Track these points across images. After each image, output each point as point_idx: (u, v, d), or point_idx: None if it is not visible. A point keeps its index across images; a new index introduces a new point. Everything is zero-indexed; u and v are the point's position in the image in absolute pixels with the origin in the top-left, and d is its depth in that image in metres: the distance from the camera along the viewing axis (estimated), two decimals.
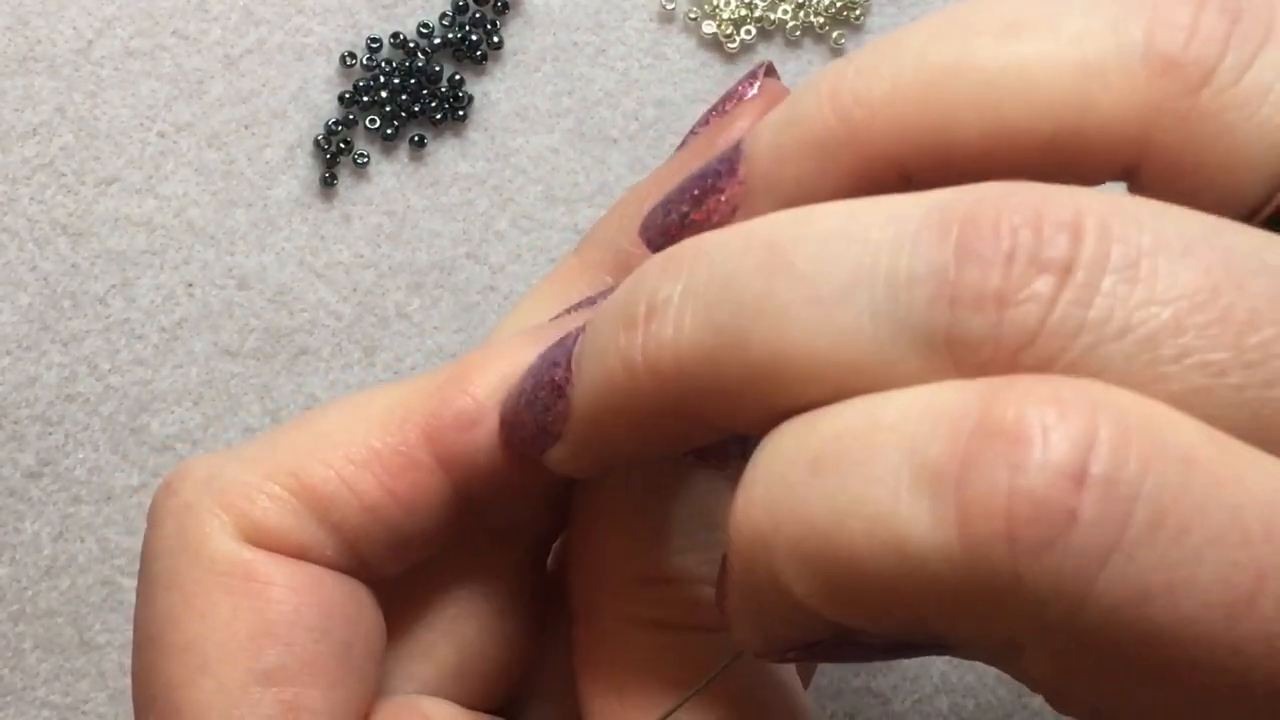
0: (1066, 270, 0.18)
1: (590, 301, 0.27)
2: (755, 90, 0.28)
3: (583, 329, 0.24)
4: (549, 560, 0.31)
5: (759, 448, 0.21)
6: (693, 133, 0.29)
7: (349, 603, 0.26)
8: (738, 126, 0.28)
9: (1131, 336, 0.18)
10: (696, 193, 0.25)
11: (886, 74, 0.22)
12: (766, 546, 0.20)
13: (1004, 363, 0.19)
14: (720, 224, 0.24)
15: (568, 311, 0.28)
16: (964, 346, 0.19)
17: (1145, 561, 0.17)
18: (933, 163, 0.22)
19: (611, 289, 0.28)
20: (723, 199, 0.24)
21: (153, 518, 0.26)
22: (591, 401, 0.23)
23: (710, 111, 0.29)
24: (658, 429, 0.23)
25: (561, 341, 0.24)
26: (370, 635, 0.26)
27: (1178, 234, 0.19)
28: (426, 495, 0.26)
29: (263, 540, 0.25)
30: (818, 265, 0.20)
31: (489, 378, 0.26)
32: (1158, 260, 0.18)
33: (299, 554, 0.25)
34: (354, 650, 0.26)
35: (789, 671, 0.27)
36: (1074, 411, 0.18)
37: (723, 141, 0.28)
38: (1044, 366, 0.18)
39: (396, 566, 0.27)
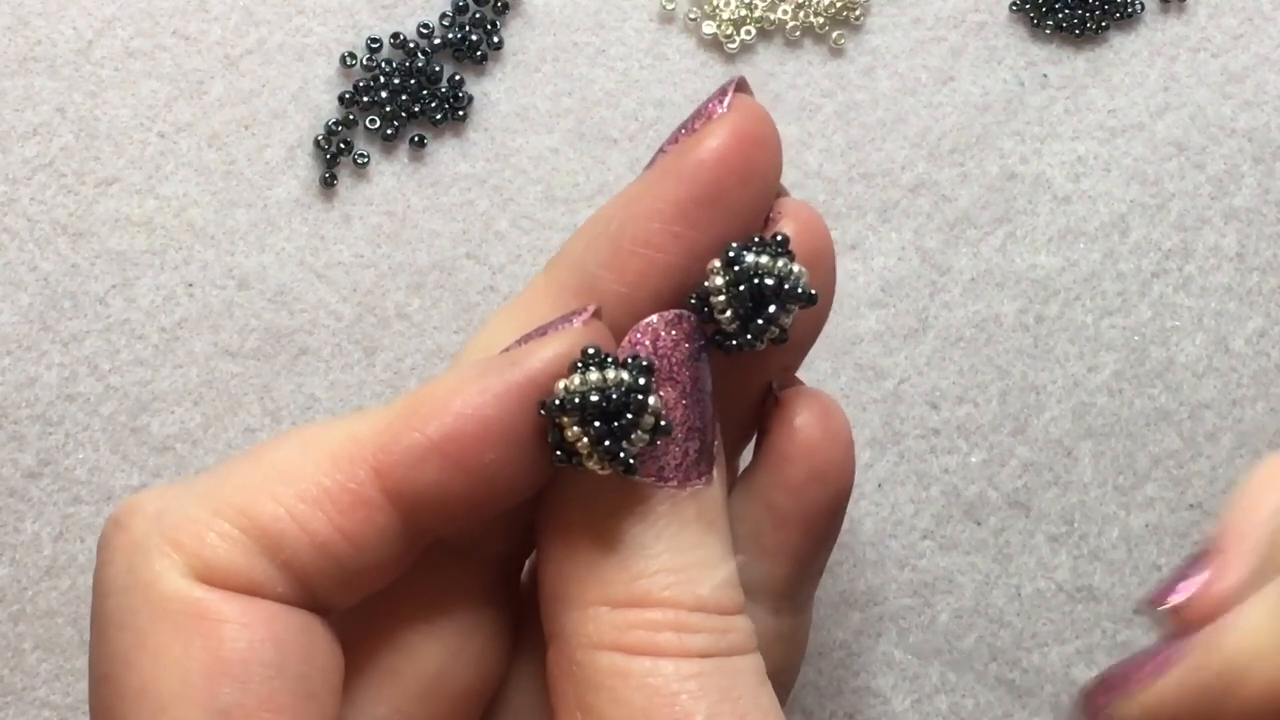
0: None
1: (541, 331, 0.27)
2: (724, 107, 0.28)
3: None
4: (523, 576, 0.31)
5: None
6: (662, 150, 0.29)
7: (303, 636, 0.26)
8: (706, 145, 0.28)
9: None
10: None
11: None
12: None
13: None
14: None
15: (518, 341, 0.27)
16: None
17: None
18: None
19: (572, 313, 0.27)
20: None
21: (102, 554, 0.26)
22: None
23: (680, 129, 0.29)
24: None
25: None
26: (327, 667, 0.26)
27: None
28: (377, 531, 0.26)
29: (213, 578, 0.25)
30: None
31: (439, 414, 0.26)
32: None
33: (250, 591, 0.25)
34: (311, 683, 0.25)
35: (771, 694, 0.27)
36: None
37: (692, 159, 0.28)
38: None
39: (349, 600, 0.27)
